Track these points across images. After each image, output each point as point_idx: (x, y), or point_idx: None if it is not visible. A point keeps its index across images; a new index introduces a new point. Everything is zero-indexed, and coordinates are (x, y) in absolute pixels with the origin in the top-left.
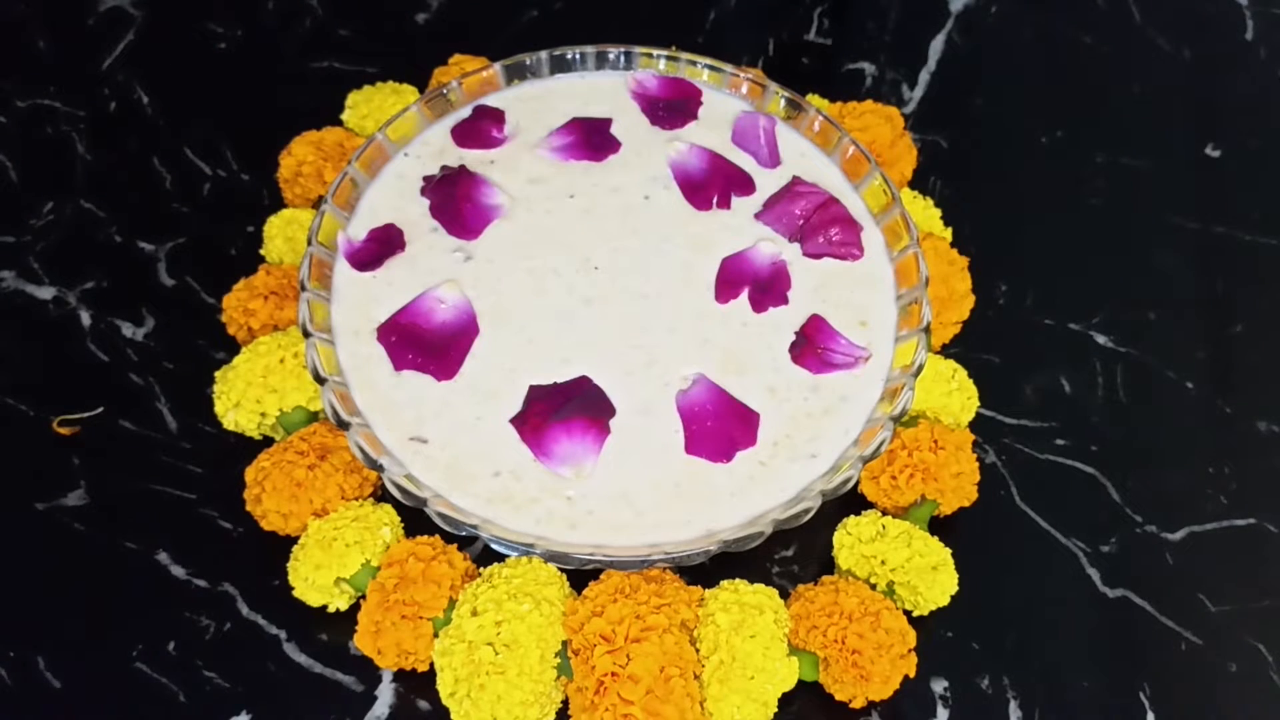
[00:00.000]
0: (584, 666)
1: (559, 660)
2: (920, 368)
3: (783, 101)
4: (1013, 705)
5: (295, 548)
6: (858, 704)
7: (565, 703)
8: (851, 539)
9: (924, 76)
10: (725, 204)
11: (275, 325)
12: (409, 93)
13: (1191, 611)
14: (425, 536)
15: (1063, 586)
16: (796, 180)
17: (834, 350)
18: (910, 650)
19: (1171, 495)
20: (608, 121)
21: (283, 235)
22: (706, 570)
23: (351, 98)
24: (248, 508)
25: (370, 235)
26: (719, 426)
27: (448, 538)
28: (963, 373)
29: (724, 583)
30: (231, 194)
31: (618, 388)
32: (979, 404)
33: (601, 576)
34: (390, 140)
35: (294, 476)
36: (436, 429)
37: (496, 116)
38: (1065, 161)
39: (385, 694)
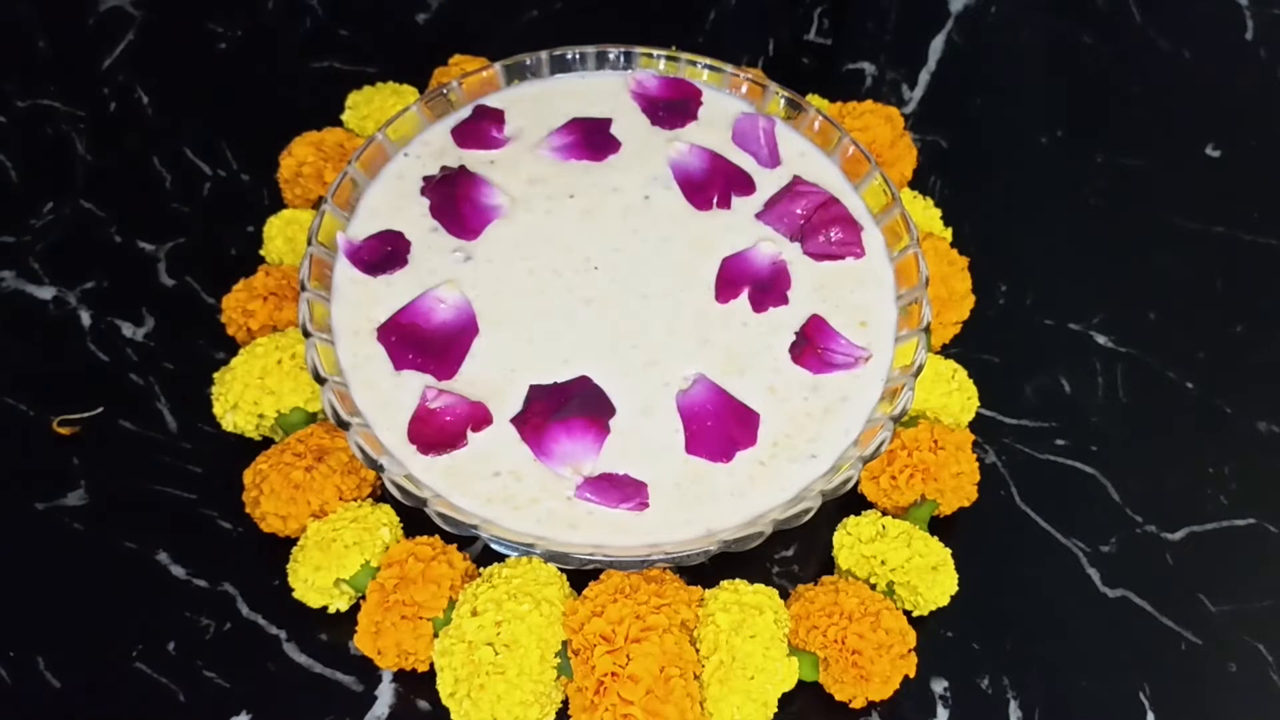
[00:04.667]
0: (584, 666)
1: (559, 660)
2: (920, 368)
3: (783, 101)
4: (1013, 705)
5: (294, 549)
6: (858, 704)
7: (565, 703)
8: (851, 539)
9: (924, 76)
10: (725, 204)
11: (274, 326)
12: (409, 93)
13: (1191, 611)
14: (425, 536)
15: (1063, 586)
16: (797, 180)
17: (834, 350)
18: (910, 650)
19: (1171, 495)
20: (608, 121)
21: (283, 235)
22: (706, 570)
23: (351, 98)
24: (246, 510)
25: (377, 241)
26: (719, 426)
27: (448, 538)
28: (963, 373)
29: (724, 583)
30: (231, 194)
31: (618, 388)
32: (979, 404)
33: (601, 576)
34: (390, 140)
35: (292, 479)
36: None
37: (496, 116)
38: (1065, 161)
39: (385, 694)
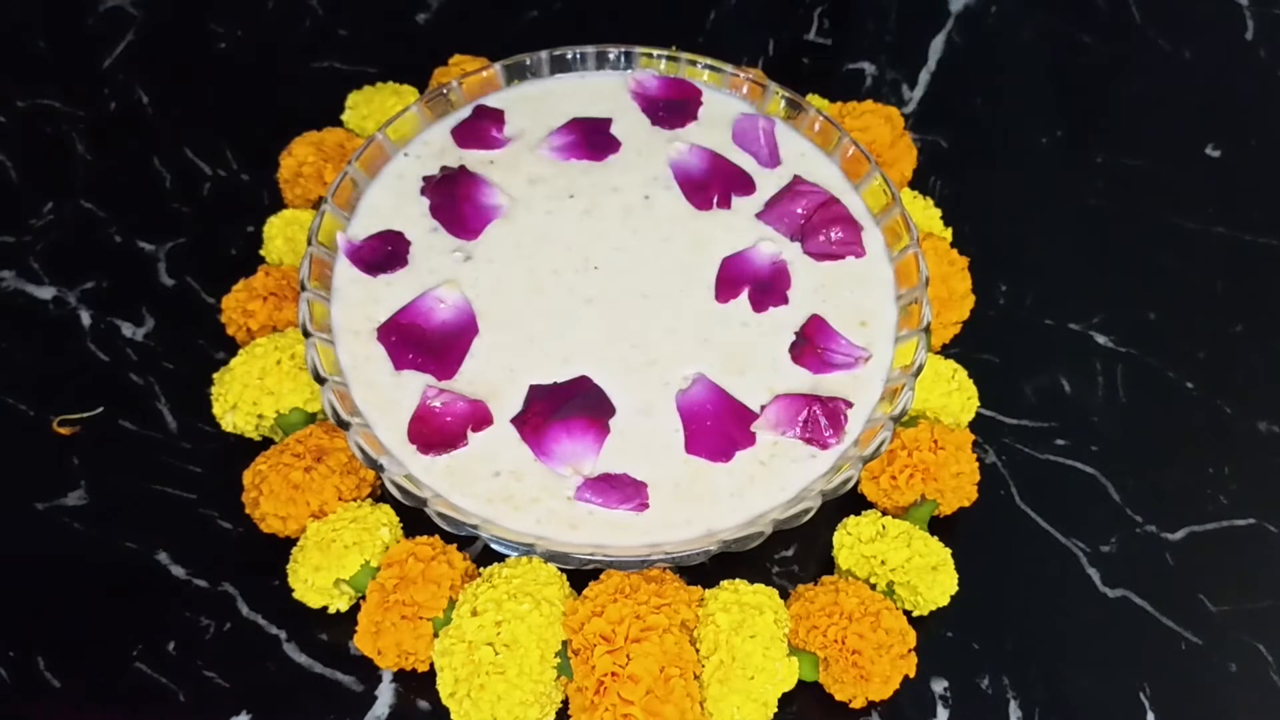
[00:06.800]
0: (584, 666)
1: (559, 660)
2: (920, 368)
3: (783, 101)
4: (1013, 705)
5: (294, 550)
6: (858, 704)
7: (565, 703)
8: (851, 539)
9: (924, 76)
10: (725, 204)
11: (274, 326)
12: (409, 93)
13: (1191, 611)
14: (425, 536)
15: (1063, 586)
16: (797, 180)
17: (834, 350)
18: (910, 650)
19: (1171, 495)
20: (608, 121)
21: (283, 235)
22: (706, 570)
23: (351, 98)
24: (246, 510)
25: (377, 241)
26: (719, 426)
27: (447, 538)
28: (963, 373)
29: (724, 583)
30: (231, 194)
31: (618, 387)
32: (979, 404)
33: (601, 576)
34: (390, 140)
35: (291, 479)
36: None
37: (496, 116)
38: (1065, 161)
39: (385, 694)
